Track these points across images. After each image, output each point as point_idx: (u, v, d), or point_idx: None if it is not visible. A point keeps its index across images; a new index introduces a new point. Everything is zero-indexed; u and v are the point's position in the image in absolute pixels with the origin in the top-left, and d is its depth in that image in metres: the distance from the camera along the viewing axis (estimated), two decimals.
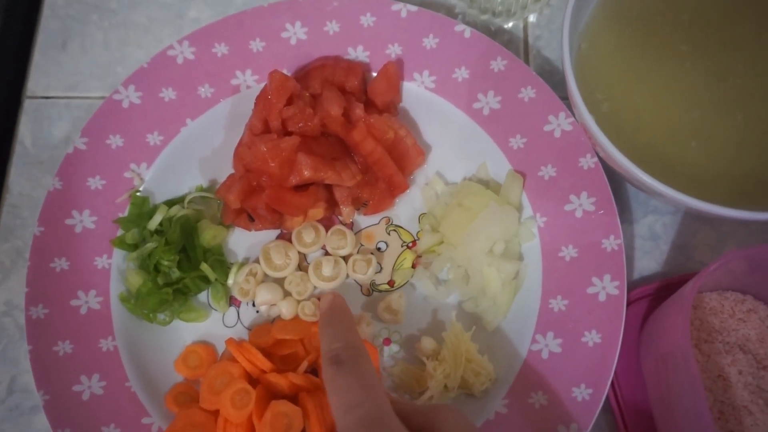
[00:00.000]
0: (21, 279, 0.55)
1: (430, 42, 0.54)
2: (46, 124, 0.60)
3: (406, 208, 0.55)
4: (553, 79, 0.57)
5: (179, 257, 0.52)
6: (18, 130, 0.60)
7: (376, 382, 0.38)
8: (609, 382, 0.47)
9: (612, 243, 0.49)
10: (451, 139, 0.55)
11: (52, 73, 0.61)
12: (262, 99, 0.52)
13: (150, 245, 0.51)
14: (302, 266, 0.54)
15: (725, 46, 0.50)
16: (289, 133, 0.51)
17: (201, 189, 0.55)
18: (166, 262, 0.51)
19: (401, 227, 0.55)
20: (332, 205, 0.54)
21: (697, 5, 0.50)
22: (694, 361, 0.41)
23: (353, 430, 0.35)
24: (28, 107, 0.60)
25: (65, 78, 0.61)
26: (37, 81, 0.61)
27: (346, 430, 0.35)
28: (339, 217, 0.54)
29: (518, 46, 0.59)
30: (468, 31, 0.54)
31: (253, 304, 0.53)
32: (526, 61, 0.59)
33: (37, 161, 0.59)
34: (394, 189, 0.54)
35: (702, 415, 0.39)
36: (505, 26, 0.60)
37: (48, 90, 0.61)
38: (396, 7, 0.55)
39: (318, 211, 0.52)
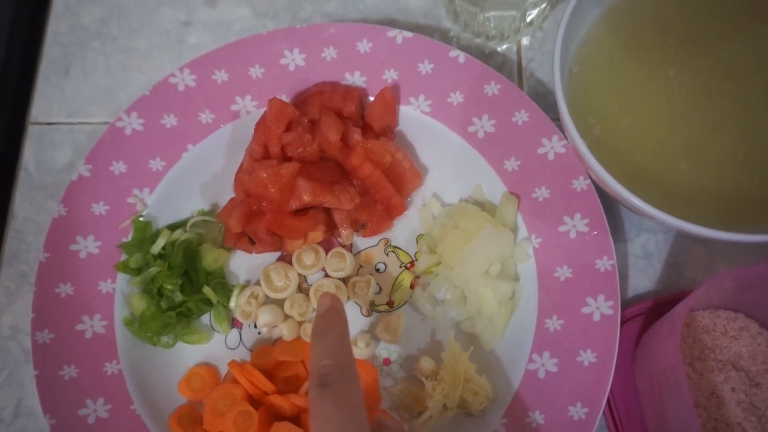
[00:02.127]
0: (26, 303, 0.56)
1: (425, 67, 0.56)
2: (49, 149, 0.61)
3: (403, 230, 0.56)
4: (546, 101, 0.59)
5: (182, 281, 0.53)
6: (22, 155, 0.61)
7: (358, 412, 0.37)
8: (604, 401, 0.48)
9: (605, 263, 0.50)
10: (447, 161, 0.56)
11: (55, 99, 0.62)
12: (261, 125, 0.54)
13: (153, 269, 0.52)
14: (302, 288, 0.55)
15: (712, 68, 0.51)
16: (288, 159, 0.53)
17: (203, 213, 0.56)
18: (169, 286, 0.52)
19: (399, 248, 0.56)
20: (331, 227, 0.55)
21: (684, 29, 0.52)
22: (686, 381, 0.42)
23: None
24: (31, 133, 0.61)
25: (68, 104, 0.62)
26: (40, 107, 0.62)
27: None
28: (338, 239, 0.56)
29: (512, 68, 0.61)
30: (462, 57, 0.55)
31: (255, 326, 0.54)
32: (520, 83, 0.60)
33: (40, 186, 0.60)
34: (391, 211, 0.55)
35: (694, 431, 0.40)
36: (499, 49, 0.61)
37: (51, 116, 0.62)
38: (391, 33, 0.56)
39: (318, 234, 0.53)
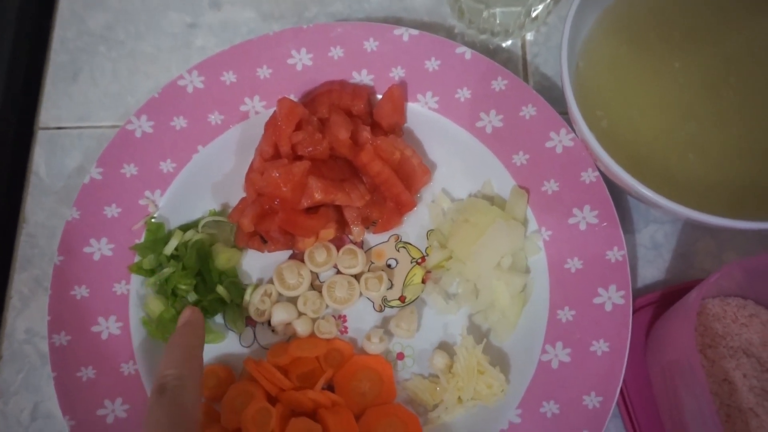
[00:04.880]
0: (40, 307, 0.57)
1: (432, 64, 0.56)
2: (59, 154, 0.61)
3: (414, 226, 0.56)
4: (552, 95, 0.59)
5: (196, 281, 0.53)
6: (32, 161, 0.61)
7: (187, 421, 0.39)
8: (618, 390, 0.49)
9: (616, 254, 0.51)
10: (456, 157, 0.56)
11: (64, 104, 0.63)
12: (271, 125, 0.54)
13: (167, 270, 0.53)
14: (315, 285, 0.56)
15: (717, 61, 0.51)
16: (299, 158, 0.53)
17: (214, 213, 0.57)
18: (183, 287, 0.52)
19: (410, 244, 0.56)
20: (342, 225, 0.55)
21: (689, 22, 0.52)
22: (701, 368, 0.42)
23: None
24: (41, 138, 0.62)
25: (76, 109, 0.63)
26: (49, 112, 0.63)
27: None
28: (349, 236, 0.56)
29: (517, 64, 0.61)
30: (468, 53, 0.56)
31: (269, 324, 0.55)
32: (525, 78, 0.61)
33: (51, 191, 0.60)
34: (401, 207, 0.55)
35: (710, 418, 0.41)
36: (504, 45, 0.62)
37: (60, 121, 0.62)
38: (398, 31, 0.56)
39: (329, 232, 0.54)
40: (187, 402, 0.40)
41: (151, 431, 0.38)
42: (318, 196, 0.51)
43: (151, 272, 0.54)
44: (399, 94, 0.55)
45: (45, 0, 0.66)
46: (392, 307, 0.55)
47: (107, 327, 0.53)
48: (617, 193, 0.55)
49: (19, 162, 0.62)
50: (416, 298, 0.55)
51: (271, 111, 0.56)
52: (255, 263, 0.56)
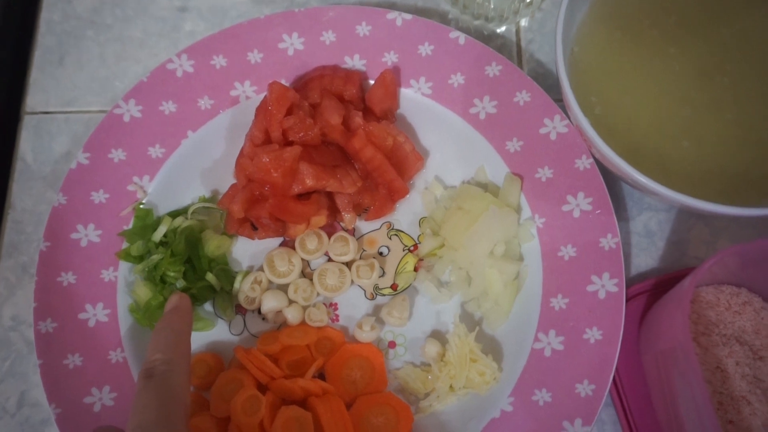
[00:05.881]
0: (27, 294, 0.56)
1: (425, 49, 0.55)
2: (46, 139, 0.60)
3: (406, 213, 0.56)
4: (547, 81, 0.59)
5: (185, 268, 0.52)
6: (18, 146, 0.60)
7: (177, 404, 0.39)
8: (611, 378, 0.48)
9: (609, 241, 0.50)
10: (449, 143, 0.56)
11: (51, 88, 0.62)
12: (262, 110, 0.53)
13: (156, 257, 0.52)
14: (306, 272, 0.55)
15: (712, 47, 0.51)
16: (290, 143, 0.52)
17: (204, 199, 0.56)
18: (172, 273, 0.52)
19: (402, 231, 0.56)
20: (334, 212, 0.54)
21: (684, 8, 0.52)
22: (695, 356, 0.42)
23: None
24: (27, 123, 0.61)
25: (63, 93, 0.62)
26: (35, 97, 0.62)
27: None
28: (341, 223, 0.55)
29: (511, 49, 0.60)
30: (462, 38, 0.55)
31: (259, 312, 0.54)
32: (520, 64, 0.60)
33: (38, 176, 0.59)
34: (394, 194, 0.55)
35: (704, 406, 0.41)
36: (498, 30, 0.61)
37: (47, 105, 0.61)
38: (391, 15, 0.56)
39: (320, 219, 0.53)
40: (176, 386, 0.39)
41: (138, 416, 0.37)
42: (309, 182, 0.51)
43: (140, 259, 0.53)
44: (392, 80, 0.55)
45: None
46: (384, 295, 0.54)
47: (95, 314, 0.52)
48: (611, 181, 0.54)
49: (5, 147, 0.61)
50: (408, 286, 0.54)
51: (262, 96, 0.55)
52: (245, 250, 0.55)
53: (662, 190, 0.44)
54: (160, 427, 0.37)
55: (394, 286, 0.55)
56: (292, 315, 0.53)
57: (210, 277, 0.53)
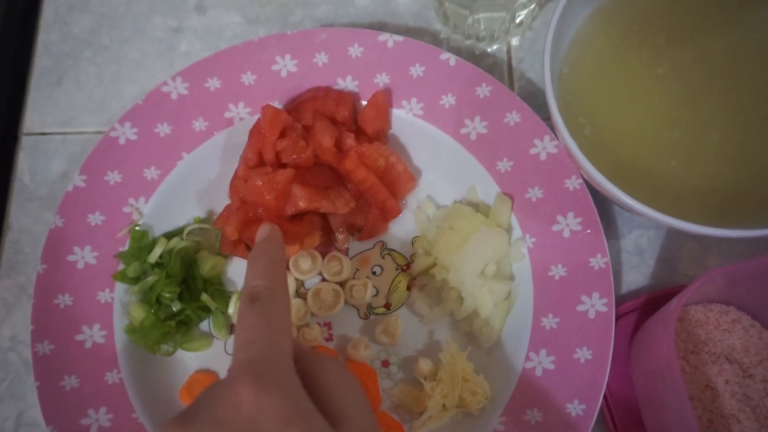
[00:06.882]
0: (24, 314, 0.56)
1: (416, 70, 0.56)
2: (43, 159, 0.61)
3: (399, 232, 0.56)
4: (537, 100, 0.59)
5: (180, 288, 0.53)
6: (16, 166, 0.61)
7: (282, 323, 0.38)
8: (601, 397, 0.49)
9: (599, 261, 0.51)
10: (441, 163, 0.56)
11: (48, 109, 0.62)
12: (255, 132, 0.54)
13: (151, 278, 0.53)
14: (300, 293, 0.56)
15: (700, 66, 0.52)
16: (283, 165, 0.53)
17: (199, 220, 0.56)
18: (167, 294, 0.52)
19: (395, 251, 0.56)
20: (327, 232, 0.55)
21: (672, 28, 0.52)
22: (680, 376, 0.42)
23: (241, 366, 0.35)
24: (25, 144, 0.62)
25: (61, 114, 0.62)
26: (33, 118, 0.62)
27: (235, 365, 0.35)
28: (335, 243, 0.56)
29: (502, 69, 0.61)
30: (453, 59, 0.56)
31: None
32: (511, 83, 0.61)
33: (36, 197, 0.60)
34: (386, 214, 0.55)
35: (690, 426, 0.41)
36: (489, 50, 0.62)
37: (44, 126, 0.62)
38: (382, 37, 0.56)
39: (314, 239, 0.54)
40: (279, 308, 0.38)
41: (244, 334, 0.37)
42: (302, 204, 0.51)
43: (136, 280, 0.54)
44: (383, 101, 0.55)
45: (29, 4, 0.66)
46: (377, 314, 0.55)
47: (91, 335, 0.52)
48: (601, 199, 0.55)
49: (3, 168, 0.61)
50: (401, 305, 0.55)
51: (255, 117, 0.56)
52: (240, 271, 0.56)
53: (649, 212, 0.45)
54: (269, 342, 0.36)
55: (387, 305, 0.55)
56: None
57: (205, 297, 0.53)
